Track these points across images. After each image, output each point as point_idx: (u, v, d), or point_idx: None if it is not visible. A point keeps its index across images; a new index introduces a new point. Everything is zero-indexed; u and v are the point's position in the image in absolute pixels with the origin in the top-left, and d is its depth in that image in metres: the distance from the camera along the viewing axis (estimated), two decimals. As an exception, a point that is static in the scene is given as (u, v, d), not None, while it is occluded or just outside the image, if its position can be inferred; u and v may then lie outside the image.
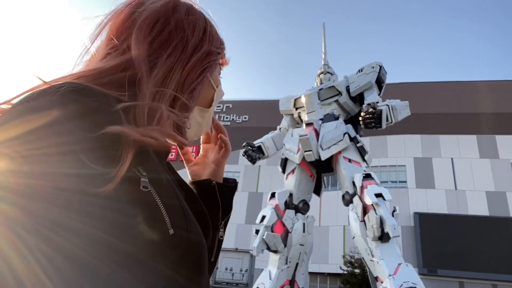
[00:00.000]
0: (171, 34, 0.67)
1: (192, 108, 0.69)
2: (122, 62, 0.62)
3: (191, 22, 0.71)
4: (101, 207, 0.45)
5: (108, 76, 0.61)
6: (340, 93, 6.30)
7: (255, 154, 6.60)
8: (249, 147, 6.62)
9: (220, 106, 34.11)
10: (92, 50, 0.68)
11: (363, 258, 5.19)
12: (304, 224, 5.72)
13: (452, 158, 27.46)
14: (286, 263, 5.54)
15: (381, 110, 5.33)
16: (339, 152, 5.65)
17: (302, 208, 5.86)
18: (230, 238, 26.77)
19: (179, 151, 0.90)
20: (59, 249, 0.42)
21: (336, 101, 6.30)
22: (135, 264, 0.46)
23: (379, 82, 6.09)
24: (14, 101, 0.51)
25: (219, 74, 0.83)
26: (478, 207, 25.38)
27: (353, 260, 22.19)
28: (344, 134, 5.67)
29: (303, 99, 6.49)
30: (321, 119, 6.10)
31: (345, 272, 22.79)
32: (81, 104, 0.49)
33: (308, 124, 6.06)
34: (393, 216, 4.74)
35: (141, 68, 0.61)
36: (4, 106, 0.53)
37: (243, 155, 6.67)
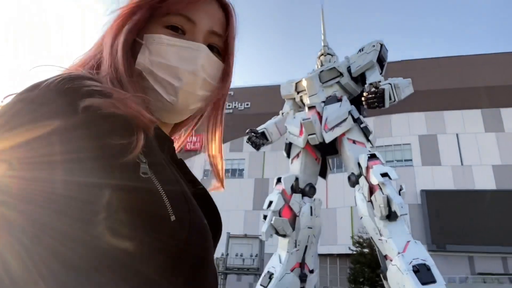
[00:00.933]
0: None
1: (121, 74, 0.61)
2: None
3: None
4: (100, 214, 0.44)
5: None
6: (341, 74, 6.24)
7: (259, 140, 6.60)
8: (252, 134, 6.61)
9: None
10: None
11: (371, 238, 5.22)
12: (311, 207, 5.75)
13: (457, 134, 27.32)
14: (296, 247, 5.60)
15: (383, 89, 5.29)
16: (343, 134, 5.63)
17: (308, 191, 5.88)
18: (238, 224, 27.03)
19: None
20: (57, 255, 0.42)
21: (338, 82, 6.25)
22: (132, 271, 0.46)
23: (381, 61, 6.02)
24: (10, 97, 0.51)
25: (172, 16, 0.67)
26: (485, 182, 25.35)
27: (361, 240, 22.36)
28: (349, 112, 5.64)
29: (304, 83, 6.44)
30: (324, 102, 6.06)
31: (354, 252, 23.00)
32: (77, 97, 0.49)
33: (311, 107, 6.03)
34: (399, 194, 4.75)
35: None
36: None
37: (247, 142, 6.68)
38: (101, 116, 0.48)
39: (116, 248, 0.45)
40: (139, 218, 0.47)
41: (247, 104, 33.97)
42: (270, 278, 5.34)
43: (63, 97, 0.48)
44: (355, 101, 6.18)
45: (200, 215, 0.56)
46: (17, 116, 0.47)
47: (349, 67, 6.22)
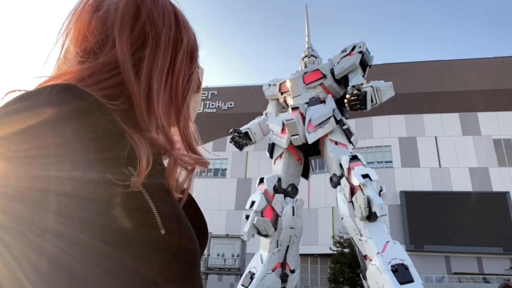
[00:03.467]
0: (145, 28, 0.61)
1: (189, 117, 0.65)
2: (105, 63, 0.58)
3: (161, 11, 0.63)
4: (91, 212, 0.44)
5: (96, 77, 0.57)
6: (324, 76, 6.31)
7: (242, 140, 6.61)
8: (236, 134, 6.61)
9: (205, 93, 33.86)
10: (60, 56, 0.63)
11: (352, 238, 5.29)
12: (293, 207, 5.79)
13: (436, 137, 27.99)
14: (277, 247, 5.63)
15: (365, 92, 5.37)
16: (326, 135, 5.69)
17: (291, 192, 5.92)
18: (220, 224, 26.94)
19: None
20: (44, 254, 0.40)
21: (321, 84, 6.31)
22: (122, 269, 0.45)
23: (363, 63, 6.11)
24: None
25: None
26: (462, 183, 26.06)
27: (342, 240, 22.66)
28: (333, 110, 5.70)
29: (288, 84, 6.48)
30: (307, 103, 6.11)
31: (335, 252, 23.29)
32: (73, 104, 0.47)
33: (294, 108, 6.07)
34: (380, 195, 4.83)
35: (128, 73, 0.57)
36: None
37: (230, 142, 6.67)
38: (99, 133, 0.48)
39: (109, 247, 0.44)
40: (131, 218, 0.46)
41: (231, 104, 33.92)
42: (252, 278, 5.34)
43: (58, 109, 0.46)
44: (338, 103, 6.26)
45: (192, 239, 0.56)
46: (6, 130, 0.44)
47: (332, 69, 6.29)
